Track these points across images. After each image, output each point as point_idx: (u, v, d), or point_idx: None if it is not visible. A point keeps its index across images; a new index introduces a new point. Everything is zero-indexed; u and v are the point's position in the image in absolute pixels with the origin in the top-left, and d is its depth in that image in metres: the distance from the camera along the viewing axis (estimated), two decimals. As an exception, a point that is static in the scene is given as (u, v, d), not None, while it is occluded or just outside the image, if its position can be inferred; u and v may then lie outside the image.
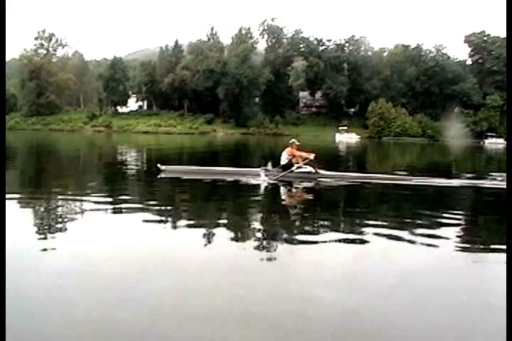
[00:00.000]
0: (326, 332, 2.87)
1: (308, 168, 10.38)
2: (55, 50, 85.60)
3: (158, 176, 10.31)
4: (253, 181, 9.62)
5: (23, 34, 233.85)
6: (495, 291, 3.66)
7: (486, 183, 10.62)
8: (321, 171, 10.49)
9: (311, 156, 10.35)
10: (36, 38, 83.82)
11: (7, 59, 73.13)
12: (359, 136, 64.64)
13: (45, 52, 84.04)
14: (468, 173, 13.48)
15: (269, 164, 10.44)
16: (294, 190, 9.53)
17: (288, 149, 10.64)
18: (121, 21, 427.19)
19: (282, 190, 9.51)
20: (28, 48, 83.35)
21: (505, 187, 9.81)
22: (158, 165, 10.78)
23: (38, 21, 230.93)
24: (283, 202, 8.24)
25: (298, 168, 10.28)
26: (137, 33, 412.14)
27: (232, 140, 48.40)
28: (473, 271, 4.29)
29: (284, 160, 10.58)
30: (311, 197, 8.80)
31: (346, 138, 60.74)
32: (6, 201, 6.39)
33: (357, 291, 3.56)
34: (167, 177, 10.25)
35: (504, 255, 4.53)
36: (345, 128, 66.81)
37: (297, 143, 10.74)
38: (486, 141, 64.33)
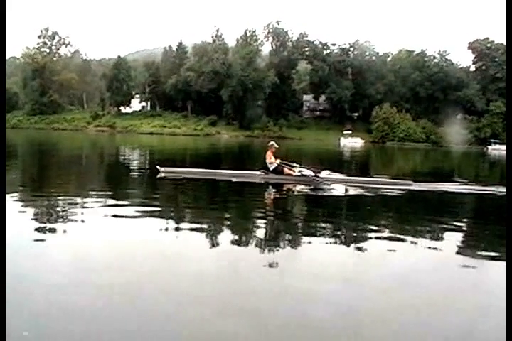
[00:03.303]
0: (325, 329, 2.92)
1: (308, 172, 10.45)
2: (58, 49, 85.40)
3: (158, 176, 10.66)
4: (334, 193, 9.27)
5: (24, 32, 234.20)
6: (495, 292, 3.72)
7: (487, 189, 10.63)
8: (321, 175, 10.49)
9: (278, 161, 10.70)
10: (39, 37, 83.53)
11: (6, 57, 72.76)
12: (363, 141, 64.54)
13: (48, 50, 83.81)
14: (471, 179, 13.53)
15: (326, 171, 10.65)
16: (292, 193, 9.56)
17: (268, 152, 10.85)
18: (121, 21, 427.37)
19: (280, 193, 9.57)
20: (30, 47, 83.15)
21: (505, 193, 9.92)
22: (158, 166, 11.11)
23: (37, 19, 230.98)
24: (281, 205, 8.21)
25: (299, 171, 10.46)
26: (136, 34, 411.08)
27: (238, 142, 48.54)
28: (473, 273, 4.33)
29: (271, 164, 10.69)
30: (310, 201, 8.81)
31: (351, 143, 60.64)
32: (7, 199, 6.45)
33: (356, 291, 3.62)
34: (167, 179, 10.48)
35: (504, 256, 4.64)
36: (350, 132, 66.65)
37: (276, 146, 10.98)
38: (490, 148, 64.18)
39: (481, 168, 25.65)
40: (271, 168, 10.66)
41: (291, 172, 10.51)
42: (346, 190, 9.29)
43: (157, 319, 2.90)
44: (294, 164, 10.76)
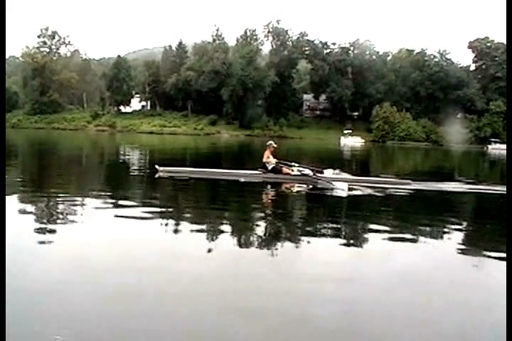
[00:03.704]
0: (326, 327, 2.92)
1: (307, 171, 10.48)
2: (58, 48, 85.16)
3: (156, 175, 10.69)
4: (341, 194, 9.10)
5: (24, 32, 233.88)
6: (495, 292, 3.75)
7: (487, 189, 10.66)
8: (322, 174, 10.52)
9: (274, 161, 10.76)
10: (39, 36, 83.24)
11: (6, 56, 72.40)
12: (364, 140, 64.51)
13: (47, 50, 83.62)
14: (471, 178, 13.54)
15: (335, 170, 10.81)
16: (291, 193, 9.57)
17: (266, 152, 10.81)
18: (121, 21, 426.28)
19: (280, 192, 9.59)
20: (30, 46, 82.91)
21: (505, 192, 9.93)
22: (156, 166, 11.14)
23: (37, 19, 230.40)
24: (281, 205, 8.21)
25: (298, 170, 10.49)
26: (136, 33, 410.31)
27: (238, 141, 48.56)
28: (473, 272, 4.38)
29: (269, 164, 10.70)
30: (311, 200, 8.86)
31: (351, 142, 60.64)
32: (8, 199, 6.44)
33: (357, 290, 3.64)
34: (166, 178, 10.50)
35: (504, 256, 4.65)
36: (350, 131, 66.61)
37: (274, 146, 11.02)
38: (490, 147, 64.16)
39: (481, 167, 25.68)
40: (269, 167, 10.66)
41: (289, 171, 10.51)
42: (348, 189, 9.28)
43: (158, 318, 2.90)
44: (293, 163, 10.75)
